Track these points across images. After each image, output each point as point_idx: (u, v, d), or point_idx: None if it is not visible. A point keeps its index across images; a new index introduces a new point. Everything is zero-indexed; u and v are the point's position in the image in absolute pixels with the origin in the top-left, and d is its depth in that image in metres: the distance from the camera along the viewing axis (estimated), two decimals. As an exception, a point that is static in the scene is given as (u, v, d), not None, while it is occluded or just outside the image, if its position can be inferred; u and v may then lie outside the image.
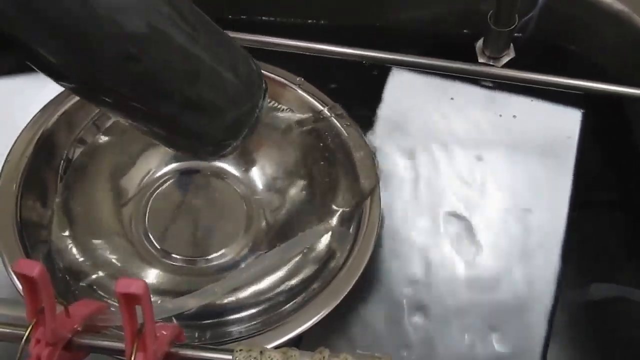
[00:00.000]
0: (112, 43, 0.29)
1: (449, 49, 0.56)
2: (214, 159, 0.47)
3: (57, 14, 0.27)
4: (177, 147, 0.39)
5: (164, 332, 0.30)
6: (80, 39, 0.28)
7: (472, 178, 0.51)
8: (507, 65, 0.55)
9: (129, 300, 0.26)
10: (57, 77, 0.31)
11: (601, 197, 0.52)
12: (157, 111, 0.33)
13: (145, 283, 0.26)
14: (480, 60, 0.55)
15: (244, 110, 0.36)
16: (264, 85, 0.37)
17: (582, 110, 0.54)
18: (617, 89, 0.51)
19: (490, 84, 0.55)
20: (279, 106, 0.48)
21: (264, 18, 0.60)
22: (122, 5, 0.28)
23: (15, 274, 0.33)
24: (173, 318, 0.38)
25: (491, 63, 0.55)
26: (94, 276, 0.41)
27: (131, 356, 0.27)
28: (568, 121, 0.53)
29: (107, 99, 0.32)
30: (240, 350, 0.30)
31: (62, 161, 0.45)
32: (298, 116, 0.47)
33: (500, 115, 0.54)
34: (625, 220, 0.51)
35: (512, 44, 0.55)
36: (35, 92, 0.45)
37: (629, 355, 0.45)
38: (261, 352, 0.29)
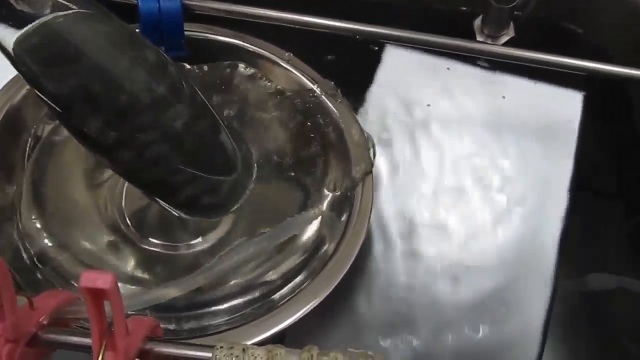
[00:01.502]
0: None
1: (446, 27, 0.53)
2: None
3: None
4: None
5: (139, 326, 0.28)
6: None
7: (468, 161, 0.49)
8: (507, 45, 0.53)
9: (96, 296, 0.23)
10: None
11: (602, 183, 0.51)
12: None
13: (114, 276, 0.23)
14: (479, 39, 0.54)
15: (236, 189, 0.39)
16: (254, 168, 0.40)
17: (583, 93, 0.53)
18: (621, 70, 0.49)
19: (488, 65, 0.54)
20: (268, 83, 0.46)
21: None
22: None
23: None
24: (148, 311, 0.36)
25: (490, 42, 0.53)
26: (65, 264, 0.38)
27: (99, 356, 0.24)
28: (569, 104, 0.52)
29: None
30: (221, 347, 0.27)
31: (29, 138, 0.43)
32: (287, 94, 0.45)
33: (499, 97, 0.52)
34: (625, 207, 0.50)
35: (512, 23, 0.53)
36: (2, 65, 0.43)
37: (628, 345, 0.44)
38: (244, 350, 0.27)
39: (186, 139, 0.33)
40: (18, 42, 0.28)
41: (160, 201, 0.38)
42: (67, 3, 0.29)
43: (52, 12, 0.29)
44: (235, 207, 0.39)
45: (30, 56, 0.29)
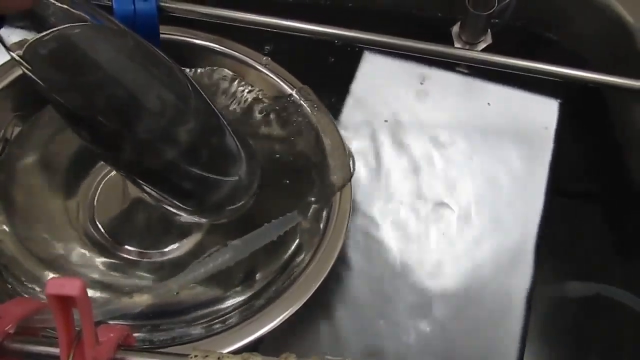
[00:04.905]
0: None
1: (423, 34, 0.53)
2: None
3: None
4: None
5: (110, 335, 0.27)
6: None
7: (445, 167, 0.49)
8: (484, 52, 0.53)
9: (64, 303, 0.23)
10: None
11: (578, 189, 0.51)
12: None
13: (82, 282, 0.22)
14: (457, 45, 0.54)
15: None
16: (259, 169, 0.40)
17: (559, 100, 0.53)
18: (597, 77, 0.49)
19: (466, 71, 0.54)
20: (248, 88, 0.46)
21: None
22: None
23: None
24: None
25: (467, 48, 0.53)
26: (33, 271, 0.37)
27: (66, 367, 0.24)
28: (545, 111, 0.52)
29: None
30: (196, 355, 0.27)
31: (-1, 141, 0.41)
32: (263, 99, 0.45)
33: (476, 103, 0.52)
34: (602, 213, 0.50)
35: (489, 30, 0.53)
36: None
37: (606, 353, 0.44)
38: (219, 358, 0.27)
39: (196, 144, 0.34)
40: (31, 47, 0.28)
41: (162, 198, 0.38)
42: (84, 15, 0.29)
43: (67, 22, 0.29)
44: (240, 205, 0.40)
45: (45, 63, 0.29)
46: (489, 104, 0.52)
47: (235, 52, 0.46)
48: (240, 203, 0.40)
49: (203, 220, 0.42)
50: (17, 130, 0.42)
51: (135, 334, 0.36)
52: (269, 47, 0.52)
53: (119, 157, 0.34)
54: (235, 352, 0.27)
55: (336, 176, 0.41)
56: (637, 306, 0.45)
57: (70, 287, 0.22)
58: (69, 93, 0.30)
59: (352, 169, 0.42)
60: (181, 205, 0.38)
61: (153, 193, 0.38)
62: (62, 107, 0.31)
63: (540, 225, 0.47)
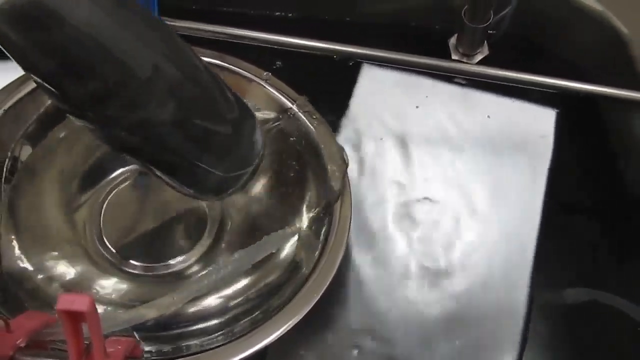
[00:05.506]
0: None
1: (421, 46, 0.54)
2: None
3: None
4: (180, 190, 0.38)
5: (118, 347, 0.28)
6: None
7: (444, 178, 0.49)
8: (481, 63, 0.54)
9: (73, 318, 0.23)
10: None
11: (576, 198, 0.52)
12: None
13: (91, 298, 0.23)
14: (454, 57, 0.54)
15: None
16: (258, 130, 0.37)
17: (556, 110, 0.53)
18: (592, 88, 0.50)
19: (464, 82, 0.54)
20: (249, 104, 0.46)
21: (230, 9, 0.58)
22: None
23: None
24: (135, 332, 0.36)
25: (465, 60, 0.54)
26: (42, 286, 0.38)
27: (76, 379, 0.24)
28: (542, 120, 0.53)
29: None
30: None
31: (7, 159, 0.42)
32: (264, 113, 0.45)
33: (473, 114, 0.53)
34: (600, 221, 0.50)
35: (486, 41, 0.54)
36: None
37: (603, 359, 0.44)
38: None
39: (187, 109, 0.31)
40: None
41: (166, 179, 0.36)
42: None
43: None
44: (239, 186, 0.38)
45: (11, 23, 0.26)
46: (488, 116, 0.52)
47: (237, 67, 0.47)
48: (245, 170, 0.37)
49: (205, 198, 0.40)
50: (25, 148, 0.43)
51: (142, 346, 0.36)
52: (279, 63, 0.53)
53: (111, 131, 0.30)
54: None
55: (334, 184, 0.42)
56: (633, 313, 0.45)
57: (80, 303, 0.23)
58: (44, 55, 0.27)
59: (347, 180, 0.42)
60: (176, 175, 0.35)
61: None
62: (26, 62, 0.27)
63: (538, 233, 0.47)
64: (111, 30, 0.28)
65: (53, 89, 0.28)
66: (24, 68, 0.28)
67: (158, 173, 0.34)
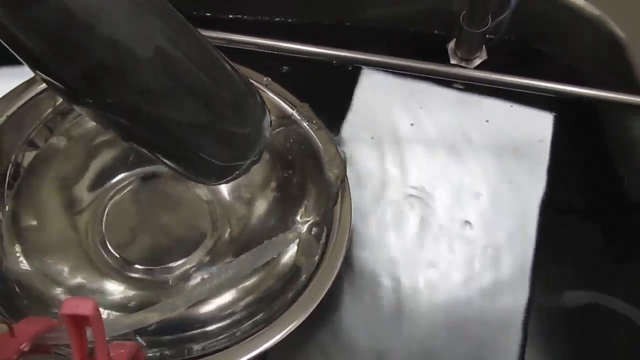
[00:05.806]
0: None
1: (420, 50, 0.55)
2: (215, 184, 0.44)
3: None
4: (182, 173, 0.37)
5: (121, 351, 0.28)
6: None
7: (443, 182, 0.50)
8: (480, 67, 0.54)
9: (77, 322, 0.24)
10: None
11: (574, 202, 0.52)
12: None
13: (95, 302, 0.23)
14: (453, 61, 0.55)
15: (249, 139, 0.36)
16: (267, 113, 0.37)
17: (554, 114, 0.53)
18: (590, 92, 0.50)
19: (462, 86, 0.54)
20: None
21: (230, 16, 0.58)
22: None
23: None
24: (138, 337, 0.36)
25: (463, 65, 0.54)
26: (45, 290, 0.38)
27: (81, 383, 0.25)
28: (540, 124, 0.53)
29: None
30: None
31: (10, 165, 0.42)
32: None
33: (472, 118, 0.53)
34: (598, 225, 0.50)
35: (484, 46, 0.54)
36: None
37: (604, 361, 0.45)
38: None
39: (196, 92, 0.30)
40: None
41: (170, 164, 0.35)
42: None
43: None
44: (249, 162, 0.36)
45: None
46: (487, 120, 0.53)
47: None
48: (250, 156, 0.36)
49: (210, 182, 0.40)
50: (27, 155, 0.43)
51: (145, 350, 0.37)
52: (286, 68, 0.53)
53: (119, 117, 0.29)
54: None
55: (334, 187, 0.42)
56: (633, 315, 0.46)
57: (84, 307, 0.23)
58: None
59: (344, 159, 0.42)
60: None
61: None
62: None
63: (537, 236, 0.47)
64: (98, 4, 0.26)
65: (46, 75, 0.27)
66: (13, 50, 0.27)
67: (165, 160, 0.34)
